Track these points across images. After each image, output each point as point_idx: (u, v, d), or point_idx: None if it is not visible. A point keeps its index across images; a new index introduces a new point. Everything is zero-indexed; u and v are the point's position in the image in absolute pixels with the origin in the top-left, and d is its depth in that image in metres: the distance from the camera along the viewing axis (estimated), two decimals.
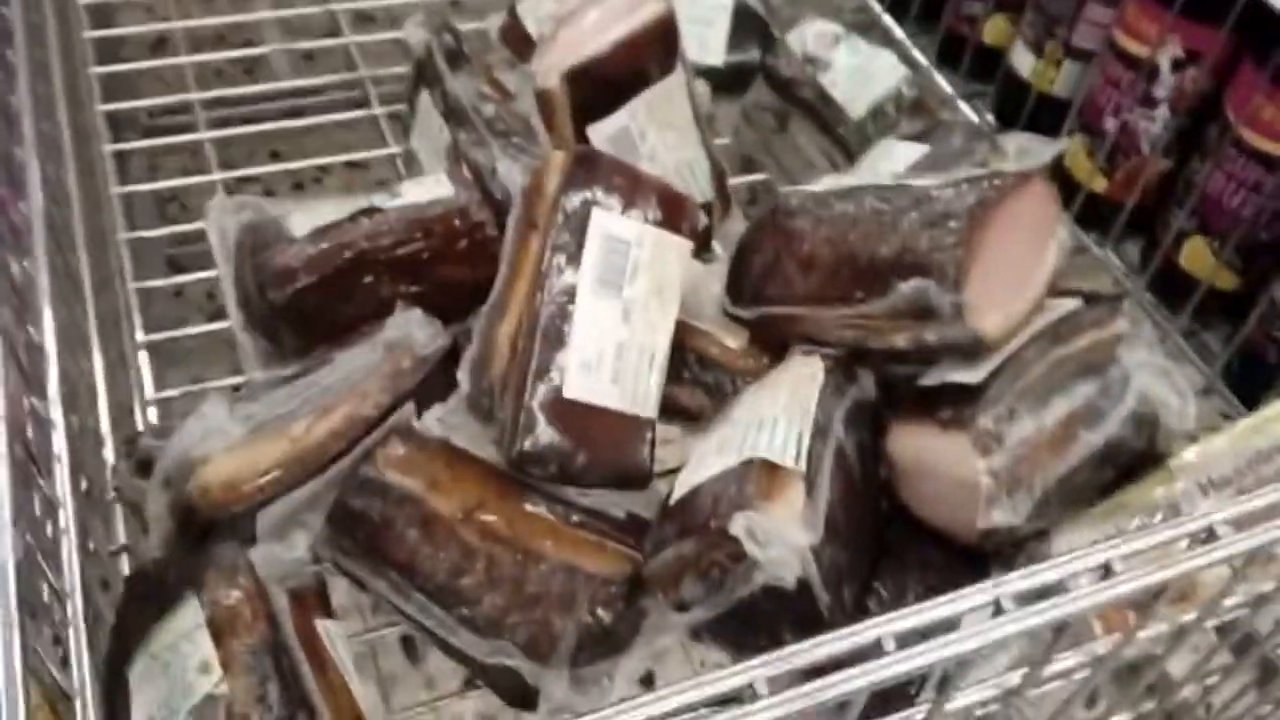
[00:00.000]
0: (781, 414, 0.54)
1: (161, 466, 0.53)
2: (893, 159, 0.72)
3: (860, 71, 0.82)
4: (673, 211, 0.59)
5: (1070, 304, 0.59)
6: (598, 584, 0.53)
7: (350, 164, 0.89)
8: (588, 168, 0.57)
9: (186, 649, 0.47)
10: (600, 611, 0.52)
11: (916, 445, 0.55)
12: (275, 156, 1.04)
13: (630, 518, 0.57)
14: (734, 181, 0.87)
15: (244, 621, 0.47)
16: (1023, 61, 0.91)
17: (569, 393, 0.55)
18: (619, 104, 0.68)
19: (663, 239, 0.59)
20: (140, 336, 0.71)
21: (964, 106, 0.93)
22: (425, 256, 0.66)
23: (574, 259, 0.56)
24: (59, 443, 0.52)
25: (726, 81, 0.87)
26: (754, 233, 0.61)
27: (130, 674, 0.48)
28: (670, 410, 0.64)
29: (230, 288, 0.66)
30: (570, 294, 0.56)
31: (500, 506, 0.55)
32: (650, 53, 0.67)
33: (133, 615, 0.51)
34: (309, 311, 0.65)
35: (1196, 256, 0.79)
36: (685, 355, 0.64)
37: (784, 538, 0.48)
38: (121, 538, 0.60)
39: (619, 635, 0.53)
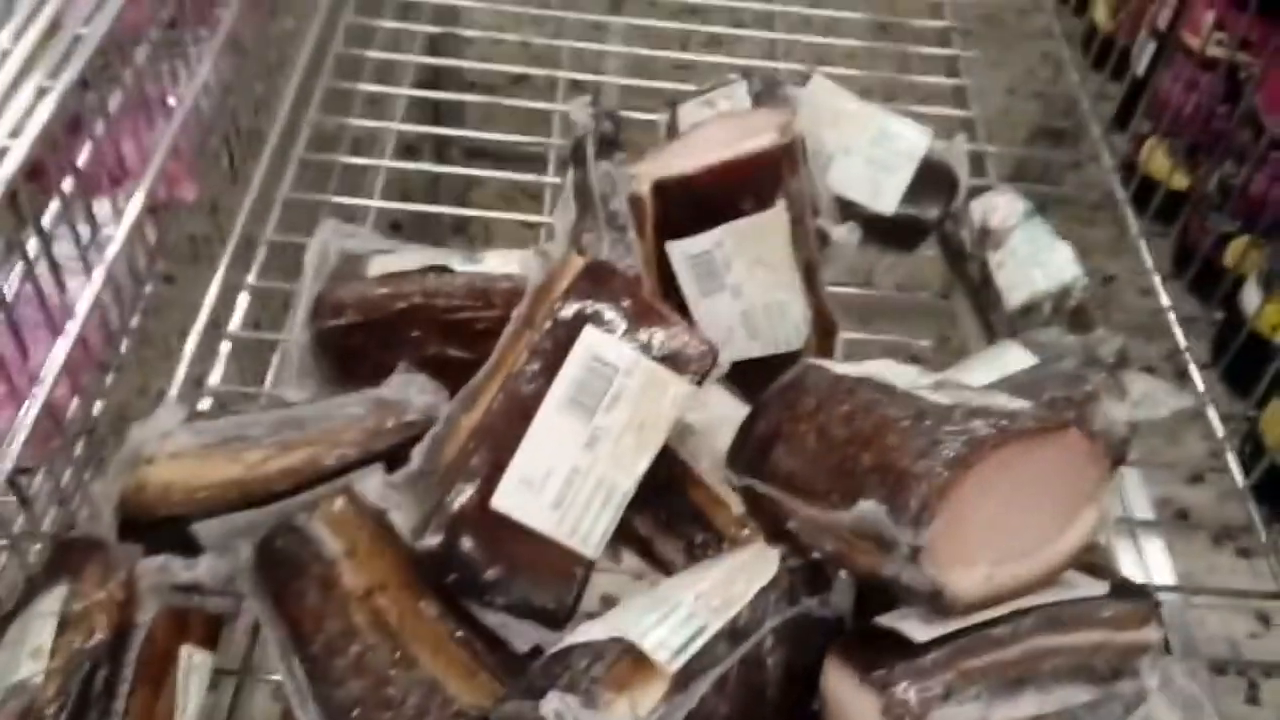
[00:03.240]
0: (692, 600, 0.48)
1: (117, 454, 0.55)
2: (1000, 362, 0.63)
3: (1031, 260, 0.73)
4: (681, 351, 0.55)
5: (1093, 588, 0.49)
6: (450, 711, 0.49)
7: (506, 223, 0.90)
8: (595, 281, 0.54)
9: (36, 628, 0.48)
10: None
11: (837, 689, 0.47)
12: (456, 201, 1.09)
13: (533, 654, 0.53)
14: (887, 339, 0.81)
15: (89, 623, 0.48)
16: (1250, 297, 0.77)
17: (496, 503, 0.52)
18: (705, 227, 0.64)
19: (658, 375, 0.54)
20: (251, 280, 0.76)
21: (1175, 328, 0.81)
22: (479, 326, 0.65)
23: (550, 369, 0.53)
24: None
25: (893, 234, 0.80)
26: (765, 399, 0.55)
27: (8, 631, 0.50)
28: (644, 554, 0.60)
29: (304, 302, 0.68)
30: (534, 403, 0.53)
31: (398, 597, 0.53)
32: (745, 184, 0.63)
33: (39, 578, 0.53)
34: (350, 349, 0.66)
35: None
36: (682, 505, 0.59)
37: None
38: None
39: None
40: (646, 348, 0.54)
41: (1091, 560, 0.51)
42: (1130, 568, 0.84)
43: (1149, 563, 0.86)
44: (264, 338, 0.75)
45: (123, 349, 0.73)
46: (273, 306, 0.79)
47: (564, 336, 0.54)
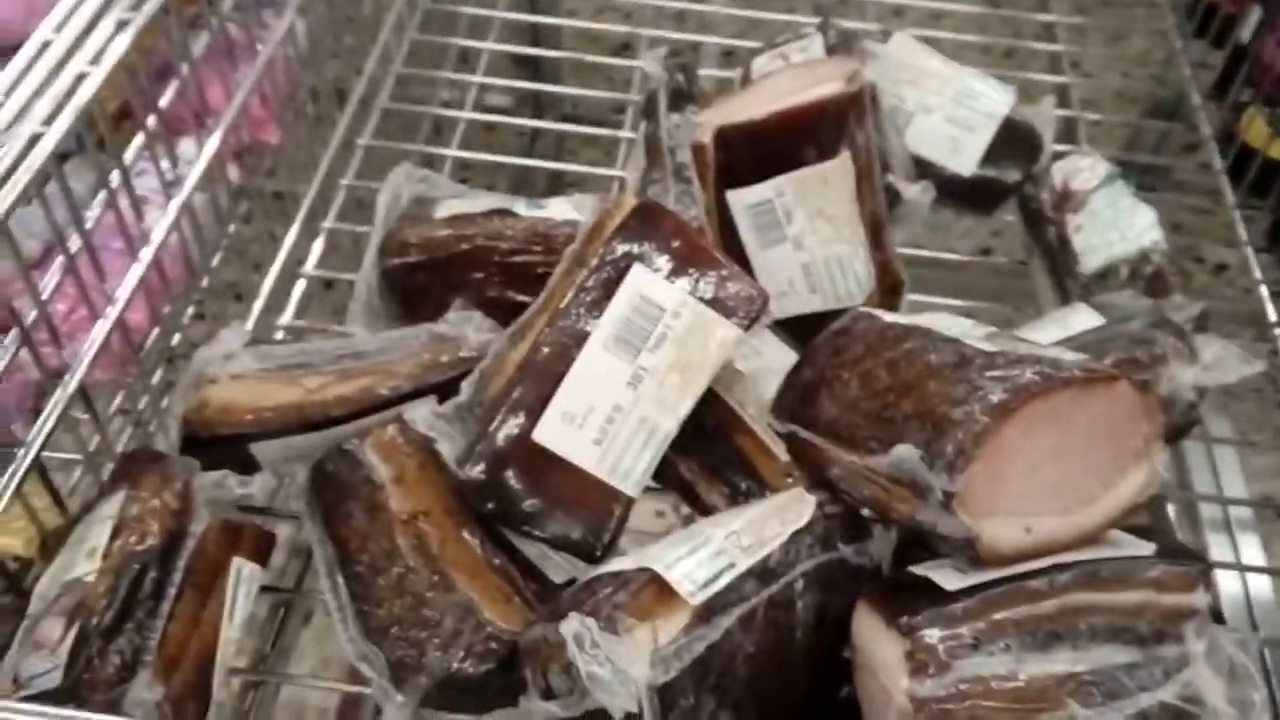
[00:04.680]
0: (723, 537, 0.48)
1: (185, 374, 0.58)
2: (1066, 323, 0.62)
3: (1110, 223, 0.71)
4: (731, 296, 0.55)
5: (1139, 549, 0.47)
6: (483, 634, 0.50)
7: (585, 178, 0.91)
8: (645, 221, 0.54)
9: (95, 531, 0.50)
10: (469, 662, 0.50)
11: (866, 634, 0.47)
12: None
13: (568, 585, 0.54)
14: (960, 304, 0.79)
15: (143, 528, 0.50)
16: None
17: (538, 437, 0.53)
18: (767, 176, 0.63)
19: (705, 318, 0.54)
20: (328, 223, 0.78)
21: (1266, 302, 0.77)
22: (538, 270, 0.66)
23: (597, 307, 0.54)
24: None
25: (972, 196, 0.79)
26: (814, 346, 0.55)
27: (72, 532, 0.53)
28: (688, 498, 0.60)
29: (374, 242, 0.70)
30: (579, 340, 0.53)
31: (442, 522, 0.54)
32: (809, 132, 0.62)
33: (105, 486, 0.55)
34: (415, 288, 0.67)
35: None
36: (728, 452, 0.59)
37: (618, 661, 0.43)
38: None
39: (484, 693, 0.50)
40: (695, 289, 0.54)
41: (1140, 523, 0.49)
42: (1221, 552, 0.81)
43: (1241, 549, 0.83)
44: (337, 277, 0.77)
45: (204, 283, 0.75)
46: (348, 249, 0.81)
47: (613, 275, 0.54)
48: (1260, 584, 0.80)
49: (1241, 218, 0.83)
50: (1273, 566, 0.80)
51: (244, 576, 0.53)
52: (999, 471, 0.44)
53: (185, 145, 0.73)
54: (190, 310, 0.75)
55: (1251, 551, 0.84)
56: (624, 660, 0.43)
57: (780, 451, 0.58)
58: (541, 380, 0.53)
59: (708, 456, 0.59)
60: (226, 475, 0.54)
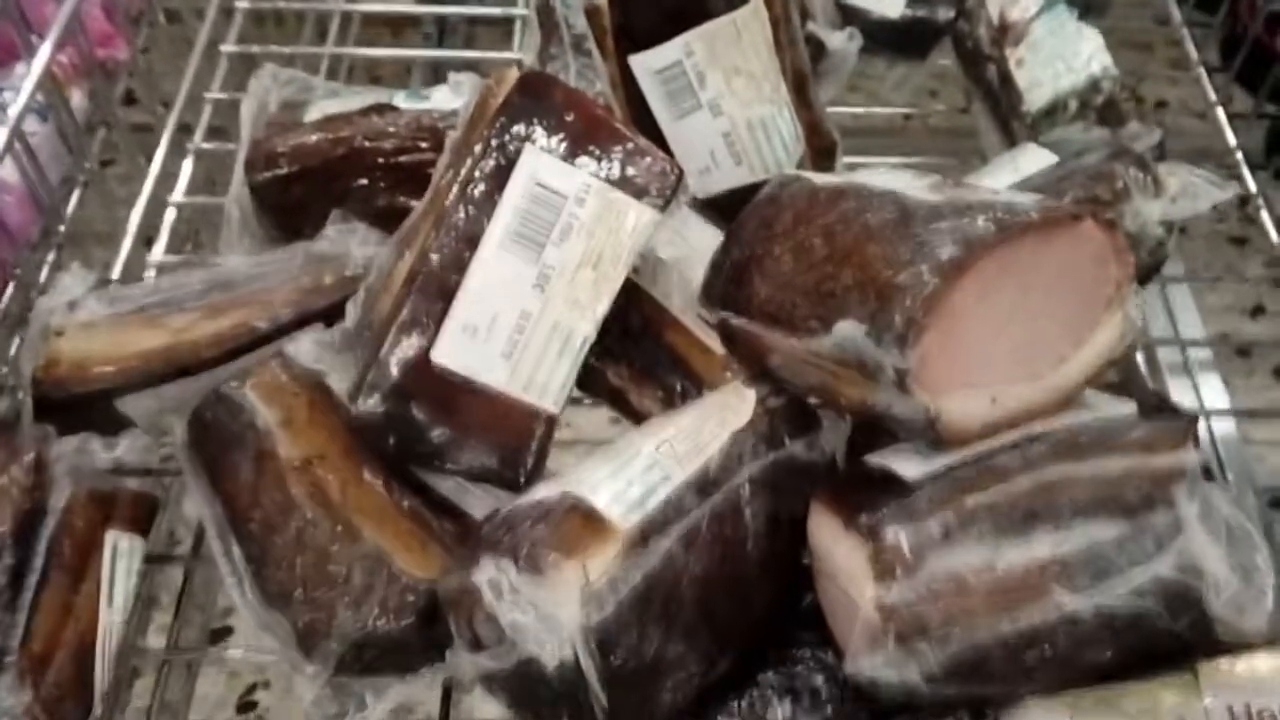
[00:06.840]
0: (654, 449, 0.42)
1: (31, 329, 0.50)
2: (1016, 165, 0.56)
3: (1055, 53, 0.64)
4: (641, 173, 0.48)
5: (1118, 408, 0.42)
6: (399, 586, 0.45)
7: (489, 66, 0.82)
8: (533, 95, 0.47)
9: None
10: (385, 618, 0.44)
11: (823, 537, 0.42)
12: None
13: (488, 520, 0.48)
14: (899, 163, 0.72)
15: None
16: None
17: (438, 357, 0.46)
18: (672, 34, 0.56)
19: (614, 201, 0.48)
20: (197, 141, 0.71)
21: (1225, 128, 0.72)
22: (430, 170, 0.59)
23: (488, 201, 0.47)
24: None
25: (902, 40, 0.72)
26: (740, 220, 0.48)
27: None
28: (619, 406, 0.54)
29: (241, 156, 0.62)
30: (473, 241, 0.47)
31: (339, 466, 0.47)
32: None
33: None
34: (291, 204, 0.60)
35: None
36: (658, 350, 0.53)
37: (543, 605, 0.37)
38: None
39: (406, 651, 0.45)
40: (598, 169, 0.47)
41: (1117, 379, 0.44)
42: (1182, 396, 0.77)
43: (1202, 391, 0.79)
44: (207, 202, 0.69)
45: (62, 229, 0.67)
46: (223, 169, 0.72)
47: (502, 162, 0.47)
48: (1225, 427, 0.77)
49: (1190, 36, 0.76)
50: (1239, 408, 0.76)
51: (122, 550, 0.47)
52: (955, 339, 0.39)
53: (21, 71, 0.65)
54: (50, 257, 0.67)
55: (1213, 394, 0.80)
56: (550, 603, 0.37)
57: (716, 345, 0.52)
58: (435, 292, 0.46)
59: (637, 358, 0.53)
60: (88, 439, 0.48)
